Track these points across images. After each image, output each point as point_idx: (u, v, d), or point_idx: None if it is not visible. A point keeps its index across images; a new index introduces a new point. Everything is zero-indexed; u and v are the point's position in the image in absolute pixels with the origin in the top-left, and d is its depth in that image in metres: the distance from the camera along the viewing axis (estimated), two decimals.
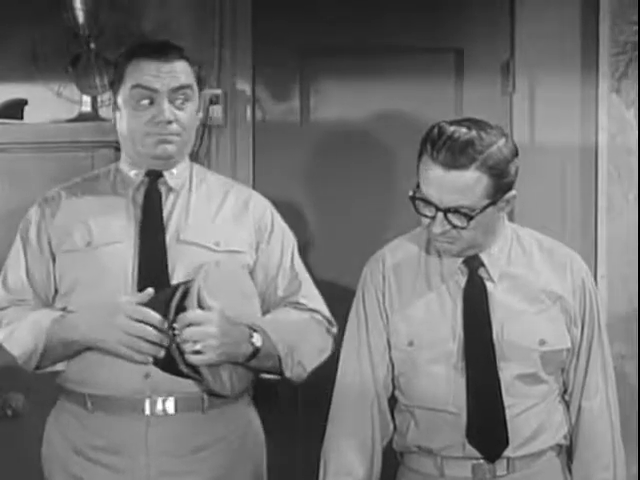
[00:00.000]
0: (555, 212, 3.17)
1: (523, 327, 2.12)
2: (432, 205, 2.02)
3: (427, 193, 2.02)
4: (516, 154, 2.06)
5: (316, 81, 3.26)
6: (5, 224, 2.66)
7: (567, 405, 2.21)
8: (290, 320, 2.33)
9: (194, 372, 2.15)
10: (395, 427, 2.22)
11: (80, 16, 2.97)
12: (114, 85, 2.34)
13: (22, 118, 3.08)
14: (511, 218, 2.57)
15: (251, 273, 2.35)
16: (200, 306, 2.13)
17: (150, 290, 2.18)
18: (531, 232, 2.25)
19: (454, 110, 3.13)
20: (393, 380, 2.20)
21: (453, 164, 1.98)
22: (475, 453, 2.10)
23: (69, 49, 3.02)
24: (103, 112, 3.06)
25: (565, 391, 2.21)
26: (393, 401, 2.22)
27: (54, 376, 2.32)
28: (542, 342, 2.12)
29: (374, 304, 2.19)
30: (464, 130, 2.00)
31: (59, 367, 2.29)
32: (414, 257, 2.20)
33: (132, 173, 2.35)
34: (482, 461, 2.11)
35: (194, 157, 2.58)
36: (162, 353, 2.15)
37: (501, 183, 2.02)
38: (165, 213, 2.32)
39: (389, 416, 2.21)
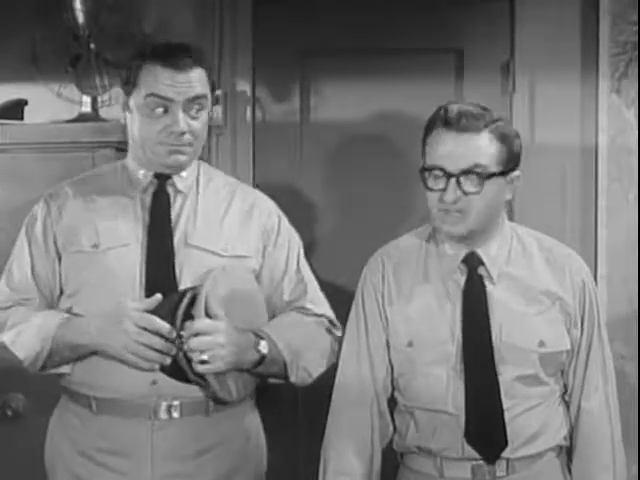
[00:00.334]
0: (555, 212, 3.16)
1: (522, 329, 2.12)
2: (444, 175, 2.04)
3: (439, 162, 2.06)
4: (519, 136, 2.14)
5: (316, 81, 3.26)
6: (5, 224, 2.66)
7: (567, 406, 2.20)
8: (296, 326, 2.31)
9: (201, 379, 2.15)
10: (395, 428, 2.22)
11: (80, 16, 2.98)
12: (126, 86, 2.28)
13: (22, 119, 3.08)
14: (511, 218, 2.57)
15: (257, 277, 2.34)
16: (207, 313, 2.13)
17: (158, 296, 2.16)
18: (531, 231, 2.25)
19: None
20: (392, 381, 2.20)
21: (467, 128, 2.04)
22: (474, 454, 2.10)
23: (69, 49, 3.02)
24: (103, 112, 3.07)
25: (565, 392, 2.21)
26: (393, 402, 2.22)
27: (55, 377, 2.30)
28: (541, 344, 2.12)
29: (373, 305, 2.19)
30: (472, 106, 2.08)
31: (65, 369, 2.26)
32: (413, 257, 2.20)
33: (140, 173, 2.32)
34: (481, 462, 2.11)
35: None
36: (168, 361, 2.14)
37: (511, 154, 2.08)
38: (173, 216, 2.29)
39: (388, 417, 2.21)
